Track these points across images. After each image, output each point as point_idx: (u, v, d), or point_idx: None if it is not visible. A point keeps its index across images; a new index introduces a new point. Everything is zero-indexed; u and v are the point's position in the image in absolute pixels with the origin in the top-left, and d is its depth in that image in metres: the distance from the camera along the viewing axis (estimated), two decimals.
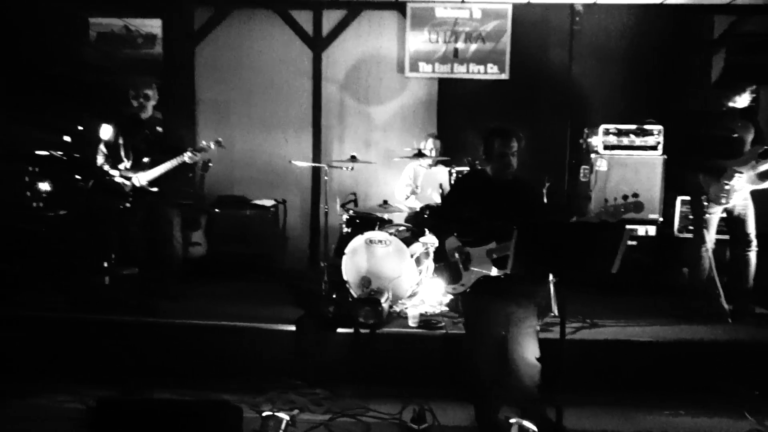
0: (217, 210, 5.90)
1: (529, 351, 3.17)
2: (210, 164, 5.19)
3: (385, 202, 5.15)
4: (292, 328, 4.08)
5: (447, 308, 4.47)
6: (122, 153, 4.62)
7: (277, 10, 6.23)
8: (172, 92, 4.78)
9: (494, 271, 3.28)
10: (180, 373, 3.97)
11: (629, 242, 5.22)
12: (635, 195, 2.85)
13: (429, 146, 5.51)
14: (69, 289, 4.59)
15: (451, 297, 4.39)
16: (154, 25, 6.25)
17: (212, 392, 3.75)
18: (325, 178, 5.28)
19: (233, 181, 6.39)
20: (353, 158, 5.13)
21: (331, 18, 6.27)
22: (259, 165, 6.42)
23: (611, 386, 3.89)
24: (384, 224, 5.16)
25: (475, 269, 3.36)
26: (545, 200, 4.59)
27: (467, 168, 5.00)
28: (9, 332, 4.03)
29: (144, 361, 4.05)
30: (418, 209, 5.28)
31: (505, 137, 3.28)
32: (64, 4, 6.15)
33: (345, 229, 5.23)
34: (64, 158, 4.68)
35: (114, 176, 4.55)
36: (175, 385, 3.83)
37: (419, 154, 5.17)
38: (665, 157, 5.33)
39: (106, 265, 5.00)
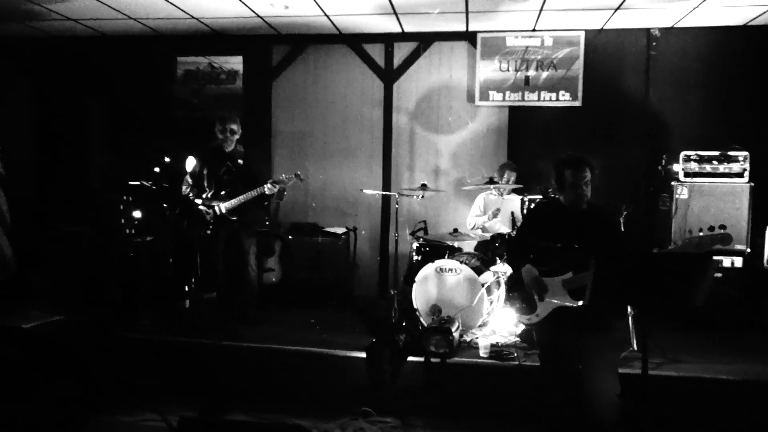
0: (290, 237, 6.07)
1: (608, 386, 3.03)
2: (285, 193, 5.36)
3: (456, 230, 5.14)
4: (363, 355, 4.11)
5: (519, 339, 4.38)
6: (205, 183, 4.87)
7: (351, 45, 6.44)
8: (251, 125, 5.01)
9: (571, 302, 3.19)
10: (255, 396, 4.09)
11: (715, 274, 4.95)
12: (722, 227, 2.72)
13: (506, 177, 5.44)
14: (154, 311, 4.83)
15: (524, 328, 4.30)
16: (235, 62, 6.60)
17: (285, 416, 3.83)
18: (396, 206, 5.34)
19: (307, 209, 6.57)
20: (424, 186, 5.18)
21: (402, 50, 6.41)
22: (331, 193, 6.59)
23: (696, 427, 3.66)
24: (454, 252, 5.15)
25: (551, 300, 3.28)
26: (622, 229, 4.43)
27: (540, 196, 4.93)
28: (102, 351, 4.29)
29: (222, 383, 4.20)
30: (488, 238, 5.23)
31: (576, 167, 3.22)
32: (156, 46, 6.62)
33: (415, 257, 5.25)
34: (153, 188, 5.00)
35: (197, 204, 4.80)
36: (250, 407, 3.95)
37: (490, 182, 5.15)
38: (752, 184, 5.06)
39: (186, 289, 5.25)
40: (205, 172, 4.87)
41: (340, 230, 6.18)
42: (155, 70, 6.70)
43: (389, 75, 6.44)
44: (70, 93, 6.66)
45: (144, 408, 3.92)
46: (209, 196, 4.86)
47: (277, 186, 4.67)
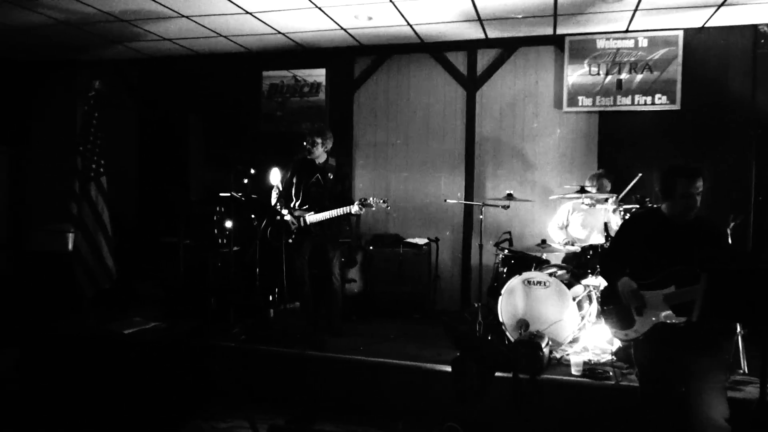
0: (372, 247, 6.16)
1: (716, 410, 2.87)
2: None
3: (543, 241, 5.04)
4: (449, 369, 4.09)
5: (614, 357, 4.21)
6: (293, 192, 5.06)
7: (433, 53, 6.48)
8: (333, 136, 5.16)
9: (673, 319, 3.05)
10: (340, 406, 4.18)
11: None
12: None
13: (605, 187, 5.26)
14: (244, 320, 5.04)
15: (620, 345, 4.14)
16: (318, 74, 6.81)
17: (368, 427, 3.88)
18: (480, 216, 5.30)
19: (389, 219, 6.64)
20: (509, 196, 5.12)
21: (485, 57, 6.38)
22: (413, 204, 6.63)
23: None
24: (541, 264, 5.04)
25: (650, 315, 3.14)
26: (730, 241, 4.18)
27: (635, 206, 4.74)
28: (196, 357, 4.53)
29: (308, 392, 4.32)
30: (578, 250, 5.08)
31: (690, 177, 3.07)
32: (244, 62, 6.96)
33: (500, 269, 5.19)
34: (242, 198, 5.24)
35: (284, 215, 4.98)
36: (337, 418, 4.04)
37: (581, 191, 5.00)
38: None
39: (271, 298, 5.44)
40: (294, 181, 5.06)
41: (422, 241, 6.20)
42: (243, 85, 7.03)
43: (472, 82, 6.43)
44: (169, 110, 7.13)
45: (235, 415, 4.09)
46: (296, 205, 5.03)
47: (364, 209, 4.78)
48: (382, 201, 4.83)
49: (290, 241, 4.98)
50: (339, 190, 5.02)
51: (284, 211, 4.98)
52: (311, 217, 4.94)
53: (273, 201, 5.06)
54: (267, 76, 6.97)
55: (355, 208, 4.78)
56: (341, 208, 4.83)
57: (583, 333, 4.59)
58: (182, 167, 6.40)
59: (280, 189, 5.04)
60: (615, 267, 3.36)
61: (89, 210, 5.47)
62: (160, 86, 7.30)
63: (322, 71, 6.80)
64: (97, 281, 5.45)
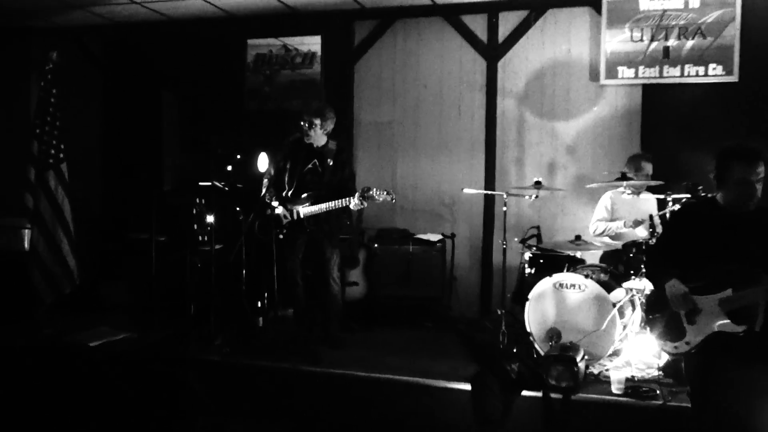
0: (376, 245, 6.16)
1: None
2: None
3: (578, 237, 5.02)
4: (468, 387, 4.11)
5: (662, 373, 4.22)
6: (286, 179, 5.05)
7: (447, 17, 6.46)
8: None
9: (731, 328, 3.04)
10: (338, 428, 4.20)
11: None
12: None
13: (644, 171, 5.27)
14: (227, 329, 5.05)
15: (669, 359, 4.14)
16: (313, 43, 6.79)
17: None
18: (503, 208, 5.29)
19: (396, 212, 6.63)
20: (537, 184, 5.10)
21: (508, 21, 6.36)
22: (424, 193, 6.64)
23: None
24: (575, 264, 5.05)
25: (704, 324, 3.14)
26: None
27: (687, 195, 4.73)
28: (173, 373, 4.54)
29: (302, 413, 4.34)
30: (619, 247, 5.07)
31: (749, 160, 3.05)
32: (226, 29, 6.95)
33: (527, 270, 5.19)
34: (225, 188, 5.23)
35: (274, 208, 4.97)
36: None
37: (623, 178, 4.99)
38: None
39: (259, 304, 5.44)
40: (287, 166, 5.04)
41: (435, 237, 6.20)
42: (225, 56, 7.03)
43: (493, 51, 6.41)
44: (139, 86, 7.15)
45: None
46: (288, 195, 5.02)
47: (365, 203, 4.75)
48: (386, 193, 4.77)
49: (281, 236, 4.97)
50: (338, 178, 4.99)
51: (275, 203, 4.97)
52: (305, 210, 4.93)
53: (263, 191, 5.05)
54: (253, 45, 6.96)
55: (354, 202, 4.74)
56: (338, 201, 4.81)
57: (624, 345, 4.58)
58: (154, 152, 6.41)
59: (269, 180, 5.03)
60: (662, 267, 3.36)
61: (47, 202, 5.48)
62: (128, 58, 7.30)
63: (317, 39, 6.79)
64: (57, 285, 5.47)
